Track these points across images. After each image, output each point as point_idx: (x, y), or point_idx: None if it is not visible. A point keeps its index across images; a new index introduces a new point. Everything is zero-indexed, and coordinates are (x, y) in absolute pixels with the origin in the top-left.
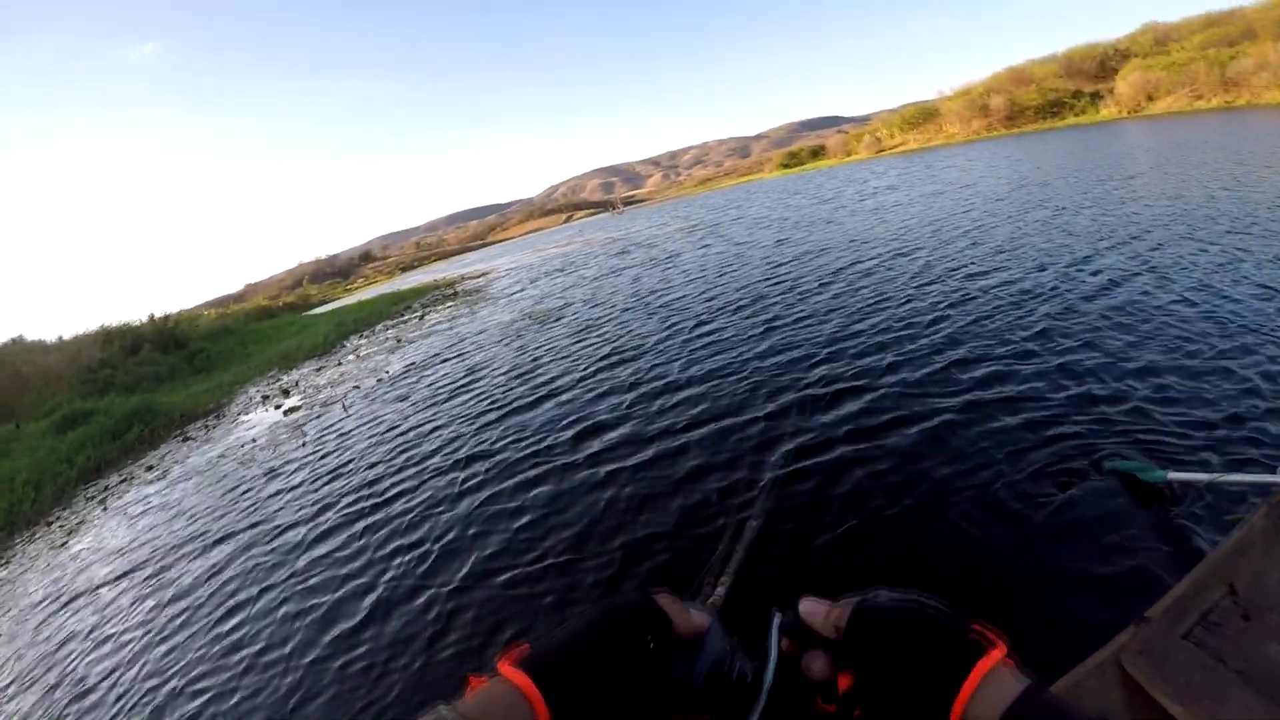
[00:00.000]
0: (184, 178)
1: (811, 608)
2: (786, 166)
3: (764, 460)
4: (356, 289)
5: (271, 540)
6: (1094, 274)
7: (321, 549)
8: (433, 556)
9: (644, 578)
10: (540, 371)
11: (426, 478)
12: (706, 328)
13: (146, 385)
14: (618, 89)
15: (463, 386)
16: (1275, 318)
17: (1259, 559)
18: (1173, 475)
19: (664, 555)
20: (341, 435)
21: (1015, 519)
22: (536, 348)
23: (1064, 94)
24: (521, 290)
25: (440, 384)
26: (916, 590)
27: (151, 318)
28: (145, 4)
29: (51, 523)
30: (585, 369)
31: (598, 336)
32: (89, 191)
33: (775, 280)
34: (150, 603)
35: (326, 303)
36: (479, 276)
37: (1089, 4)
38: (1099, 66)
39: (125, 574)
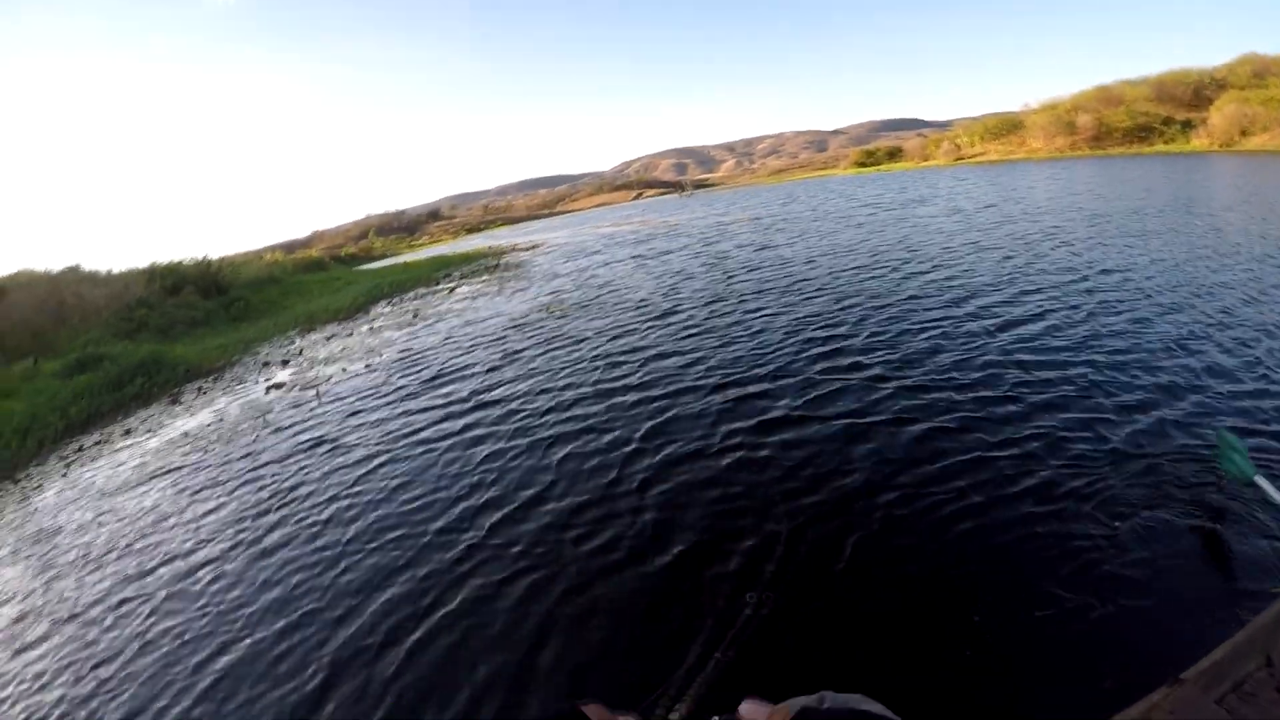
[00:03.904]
0: (260, 121)
1: (753, 709)
2: (862, 165)
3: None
4: (421, 245)
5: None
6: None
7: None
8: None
9: None
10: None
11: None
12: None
13: (179, 330)
14: (699, 72)
15: (437, 387)
16: None
17: None
18: (1260, 480)
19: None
20: (295, 431)
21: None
22: (525, 351)
23: (1154, 119)
24: (554, 270)
25: (418, 380)
26: (861, 695)
27: (197, 260)
28: None
29: (19, 480)
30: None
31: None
32: (171, 129)
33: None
34: None
35: (387, 257)
36: (529, 248)
37: (1183, 28)
38: (1193, 94)
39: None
